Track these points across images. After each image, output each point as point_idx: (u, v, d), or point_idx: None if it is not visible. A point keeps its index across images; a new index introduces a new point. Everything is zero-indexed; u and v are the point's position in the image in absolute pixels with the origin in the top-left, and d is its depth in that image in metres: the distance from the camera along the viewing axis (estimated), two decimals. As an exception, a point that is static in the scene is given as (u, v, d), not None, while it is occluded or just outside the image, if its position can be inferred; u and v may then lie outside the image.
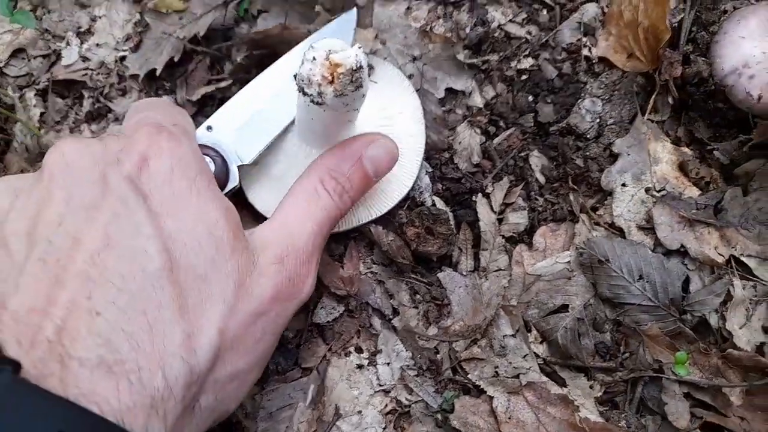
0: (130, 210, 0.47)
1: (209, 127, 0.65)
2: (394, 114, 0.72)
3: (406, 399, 0.66)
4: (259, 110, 0.66)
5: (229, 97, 0.68)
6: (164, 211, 0.48)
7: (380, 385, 0.66)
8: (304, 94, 0.52)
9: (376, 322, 0.69)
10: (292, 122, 0.66)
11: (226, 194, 0.59)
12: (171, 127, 0.54)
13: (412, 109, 0.73)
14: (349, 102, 0.53)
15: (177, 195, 0.49)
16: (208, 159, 0.60)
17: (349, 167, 0.60)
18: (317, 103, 0.52)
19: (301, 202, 0.58)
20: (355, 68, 0.50)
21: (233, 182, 0.63)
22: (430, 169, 0.74)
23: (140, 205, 0.47)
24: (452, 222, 0.70)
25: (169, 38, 0.81)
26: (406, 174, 0.71)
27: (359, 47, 0.50)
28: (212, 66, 0.82)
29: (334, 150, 0.62)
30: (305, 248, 0.56)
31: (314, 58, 0.50)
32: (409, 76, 0.77)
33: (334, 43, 0.51)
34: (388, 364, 0.67)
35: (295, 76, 0.53)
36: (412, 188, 0.72)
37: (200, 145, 0.59)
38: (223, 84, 0.79)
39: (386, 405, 0.66)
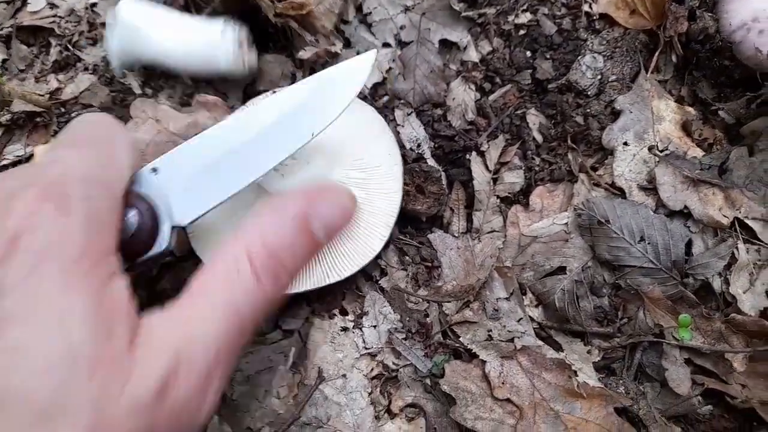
0: None
1: (155, 169, 0.48)
2: (369, 167, 0.64)
3: (394, 363, 0.62)
4: (221, 159, 0.50)
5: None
6: (15, 314, 0.35)
7: (366, 348, 0.62)
8: None
9: (363, 283, 0.65)
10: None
11: (146, 260, 0.46)
12: (73, 186, 0.39)
13: (390, 164, 0.65)
14: None
15: (38, 291, 0.35)
16: (132, 213, 0.45)
17: (290, 231, 0.42)
18: None
19: (215, 282, 0.40)
20: None
21: (161, 246, 0.46)
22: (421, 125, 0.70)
23: None
24: (444, 181, 0.66)
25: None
26: (374, 238, 0.63)
27: None
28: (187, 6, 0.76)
29: (269, 205, 0.44)
30: (205, 359, 0.38)
31: None
32: (401, 27, 0.73)
33: None
34: (375, 326, 0.63)
35: None
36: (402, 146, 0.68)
37: (130, 193, 0.45)
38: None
39: (372, 369, 0.62)
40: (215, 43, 0.67)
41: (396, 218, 0.63)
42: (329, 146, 0.61)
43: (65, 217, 0.38)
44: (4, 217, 0.37)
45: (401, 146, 0.69)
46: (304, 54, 0.71)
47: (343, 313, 0.64)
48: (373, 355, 0.62)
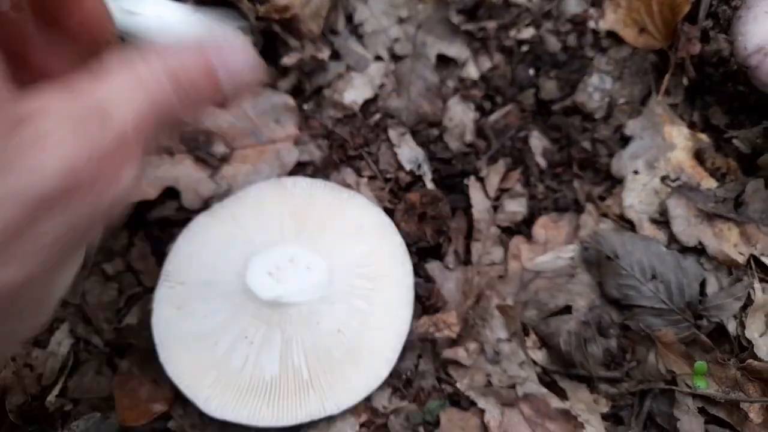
0: None
1: None
2: (376, 275, 0.58)
3: (383, 407, 0.57)
4: None
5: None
6: None
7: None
8: None
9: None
10: None
11: None
12: None
13: (402, 273, 0.59)
14: None
15: None
16: None
17: (193, 65, 0.36)
18: None
19: (120, 75, 0.34)
20: None
21: None
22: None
23: None
24: (447, 207, 0.61)
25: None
26: (381, 361, 0.56)
27: None
28: None
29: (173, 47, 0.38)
30: (121, 117, 0.32)
31: None
32: (395, 40, 0.68)
33: None
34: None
35: None
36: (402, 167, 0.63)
37: None
38: None
39: (360, 415, 0.57)
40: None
41: (404, 340, 0.57)
42: (331, 251, 0.56)
43: None
44: None
45: (399, 167, 0.63)
46: (288, 60, 0.65)
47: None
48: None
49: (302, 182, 0.61)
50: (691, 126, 0.65)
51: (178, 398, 0.56)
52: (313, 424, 0.55)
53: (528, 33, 0.69)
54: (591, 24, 0.69)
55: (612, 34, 0.68)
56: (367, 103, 0.67)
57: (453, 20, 0.67)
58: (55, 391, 0.58)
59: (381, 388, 0.57)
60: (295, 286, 0.54)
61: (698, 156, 0.63)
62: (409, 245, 0.59)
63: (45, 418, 0.57)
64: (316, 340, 0.55)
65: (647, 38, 0.67)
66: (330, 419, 0.56)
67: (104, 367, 0.58)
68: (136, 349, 0.57)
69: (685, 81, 0.65)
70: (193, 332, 0.55)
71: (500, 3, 0.70)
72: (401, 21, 0.68)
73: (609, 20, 0.69)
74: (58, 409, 0.58)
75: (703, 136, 0.64)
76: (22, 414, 0.58)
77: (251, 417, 0.54)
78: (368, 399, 0.57)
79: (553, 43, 0.68)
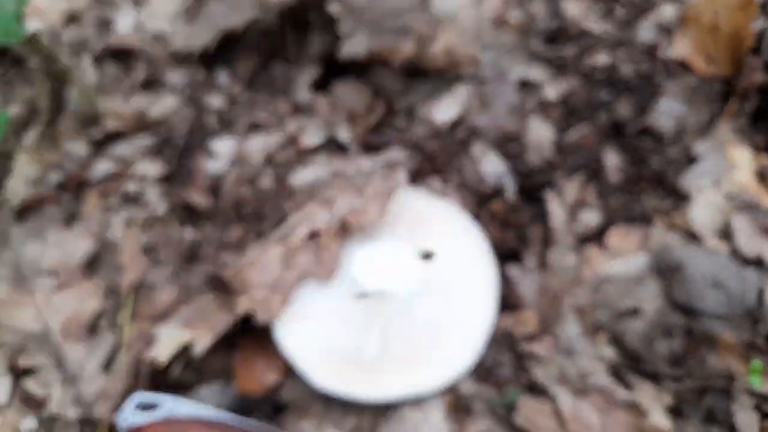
0: None
1: None
2: (465, 273, 0.65)
3: (467, 391, 0.64)
4: None
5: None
6: None
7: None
8: None
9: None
10: None
11: None
12: None
13: (488, 272, 0.65)
14: None
15: None
16: None
17: None
18: None
19: None
20: None
21: None
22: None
23: None
24: (528, 216, 0.68)
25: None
26: (466, 351, 0.62)
27: None
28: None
29: None
30: None
31: None
32: (481, 65, 0.75)
33: None
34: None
35: None
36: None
37: None
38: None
39: (446, 397, 0.64)
40: None
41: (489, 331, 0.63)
42: (425, 248, 0.64)
43: None
44: None
45: (482, 180, 0.71)
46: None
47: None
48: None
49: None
50: (755, 149, 0.70)
51: (290, 372, 0.64)
52: (405, 402, 0.63)
53: (603, 59, 0.76)
54: (662, 52, 0.75)
55: (681, 62, 0.75)
56: (455, 124, 0.74)
57: (533, 48, 0.74)
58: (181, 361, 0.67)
59: (465, 374, 0.64)
60: (395, 279, 0.63)
61: (760, 177, 0.69)
62: (492, 248, 0.67)
63: (169, 387, 0.66)
64: (410, 327, 0.63)
65: (714, 67, 0.73)
66: (420, 399, 0.63)
67: (225, 342, 0.67)
68: (255, 327, 0.66)
69: (748, 108, 0.71)
70: (306, 314, 0.64)
71: (577, 32, 0.77)
72: (485, 47, 0.76)
73: (679, 49, 0.75)
74: (181, 378, 0.67)
75: (765, 159, 0.70)
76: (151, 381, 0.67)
77: (351, 393, 0.62)
78: (454, 384, 0.64)
79: (627, 69, 0.75)
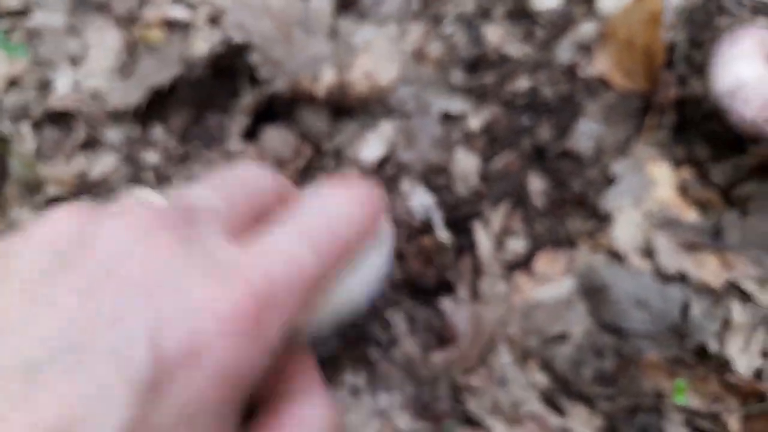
0: None
1: None
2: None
3: (405, 427, 0.66)
4: None
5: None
6: None
7: (378, 410, 0.66)
8: None
9: (372, 352, 0.69)
10: None
11: None
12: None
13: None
14: None
15: None
16: None
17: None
18: None
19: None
20: None
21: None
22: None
23: None
24: (453, 252, 0.70)
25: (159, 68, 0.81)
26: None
27: None
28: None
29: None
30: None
31: None
32: (402, 101, 0.77)
33: None
34: (387, 391, 0.67)
35: None
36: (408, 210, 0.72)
37: None
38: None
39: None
40: None
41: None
42: None
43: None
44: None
45: (411, 215, 0.72)
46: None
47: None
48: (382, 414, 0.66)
49: None
50: (675, 162, 0.71)
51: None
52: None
53: (523, 84, 0.77)
54: (581, 71, 0.76)
55: (601, 80, 0.76)
56: (382, 162, 0.76)
57: (454, 81, 0.75)
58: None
59: (402, 410, 0.66)
60: None
61: (681, 190, 0.70)
62: (413, 281, 0.69)
63: None
64: None
65: (632, 82, 0.74)
66: None
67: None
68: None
69: (667, 121, 0.72)
70: None
71: (497, 57, 0.78)
72: (407, 82, 0.77)
73: (598, 67, 0.76)
74: None
75: (686, 173, 0.71)
76: None
77: None
78: (392, 419, 0.66)
79: (547, 92, 0.76)
